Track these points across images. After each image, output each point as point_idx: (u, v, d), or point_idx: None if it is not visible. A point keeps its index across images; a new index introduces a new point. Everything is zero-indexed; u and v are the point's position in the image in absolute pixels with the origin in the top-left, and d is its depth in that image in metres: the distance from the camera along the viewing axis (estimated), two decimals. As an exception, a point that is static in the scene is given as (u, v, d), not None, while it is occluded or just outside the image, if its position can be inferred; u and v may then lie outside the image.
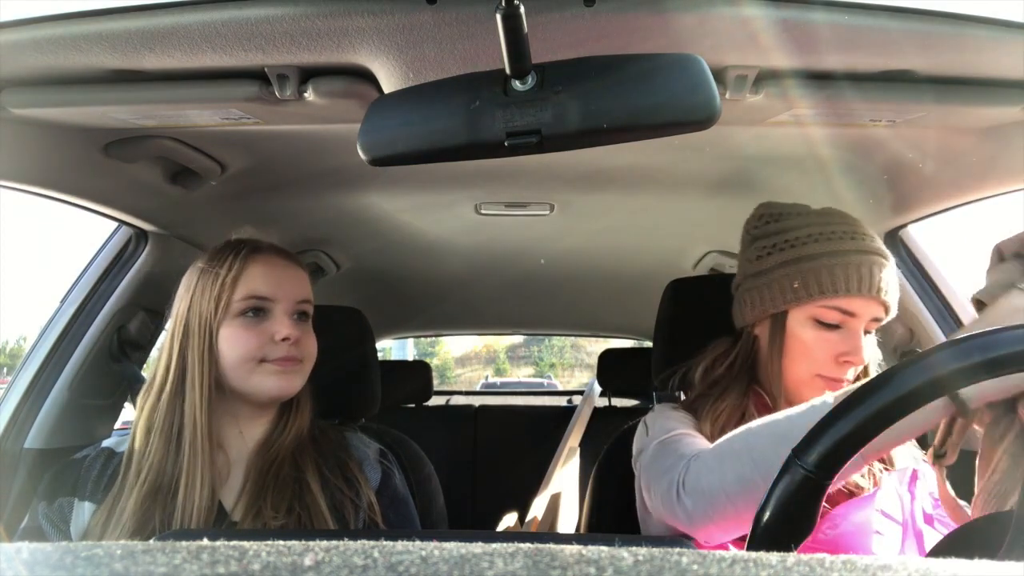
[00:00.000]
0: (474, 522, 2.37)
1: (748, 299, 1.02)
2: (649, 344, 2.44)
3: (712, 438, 0.93)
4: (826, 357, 0.95)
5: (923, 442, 1.00)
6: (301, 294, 1.01)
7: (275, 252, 1.01)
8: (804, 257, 0.97)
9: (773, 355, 0.99)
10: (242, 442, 1.00)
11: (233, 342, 0.95)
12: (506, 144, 0.56)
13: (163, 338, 1.00)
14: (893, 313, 0.97)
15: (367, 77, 0.81)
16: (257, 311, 0.96)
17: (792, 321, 0.98)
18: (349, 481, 0.99)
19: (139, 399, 0.97)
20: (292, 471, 0.96)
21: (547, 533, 1.45)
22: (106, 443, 1.02)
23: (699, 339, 1.06)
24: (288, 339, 0.96)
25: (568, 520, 1.83)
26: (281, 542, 0.25)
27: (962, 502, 0.66)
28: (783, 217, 1.02)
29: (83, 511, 0.94)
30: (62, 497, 0.94)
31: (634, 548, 0.25)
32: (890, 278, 0.96)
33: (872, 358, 0.98)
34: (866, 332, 0.97)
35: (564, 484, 1.94)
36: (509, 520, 1.84)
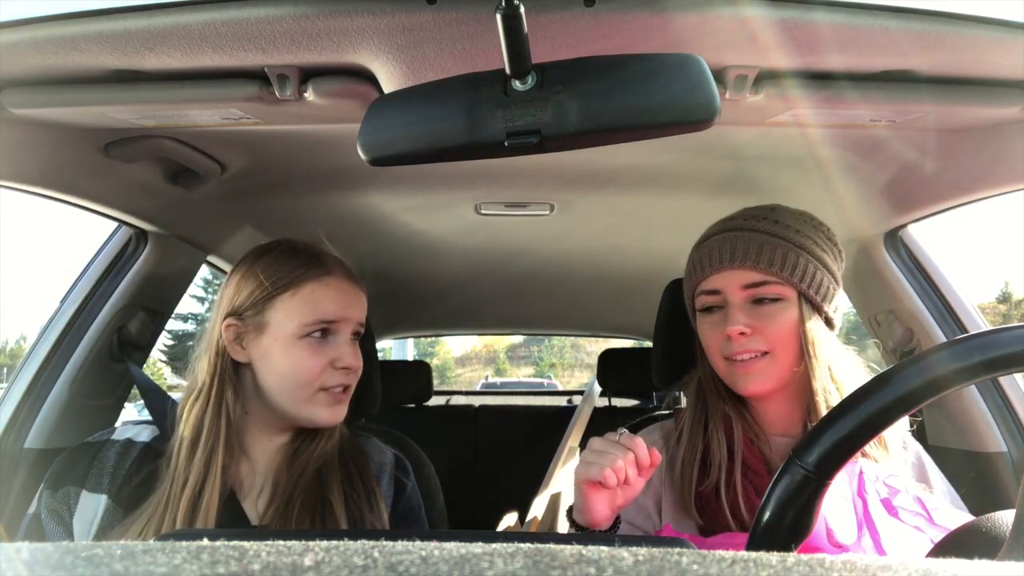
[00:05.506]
0: (474, 522, 2.37)
1: None
2: (649, 344, 2.44)
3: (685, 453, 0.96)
4: (715, 338, 0.94)
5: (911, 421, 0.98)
6: (362, 315, 0.97)
7: (343, 273, 0.97)
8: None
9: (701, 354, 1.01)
10: (269, 449, 0.96)
11: (294, 364, 0.89)
12: (506, 144, 0.56)
13: (206, 339, 0.94)
14: (786, 273, 0.89)
15: (367, 77, 0.81)
16: (324, 332, 0.92)
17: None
18: (370, 503, 0.95)
19: (185, 406, 0.91)
20: (317, 488, 0.92)
21: (547, 533, 1.45)
22: (124, 432, 0.95)
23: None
24: (350, 368, 0.92)
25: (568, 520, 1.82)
26: (281, 542, 0.25)
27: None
28: None
29: (92, 504, 0.87)
30: (69, 485, 0.88)
31: (634, 548, 0.25)
32: (762, 247, 0.90)
33: (819, 334, 0.90)
34: (758, 301, 0.91)
35: (564, 484, 1.93)
36: (509, 520, 1.84)
